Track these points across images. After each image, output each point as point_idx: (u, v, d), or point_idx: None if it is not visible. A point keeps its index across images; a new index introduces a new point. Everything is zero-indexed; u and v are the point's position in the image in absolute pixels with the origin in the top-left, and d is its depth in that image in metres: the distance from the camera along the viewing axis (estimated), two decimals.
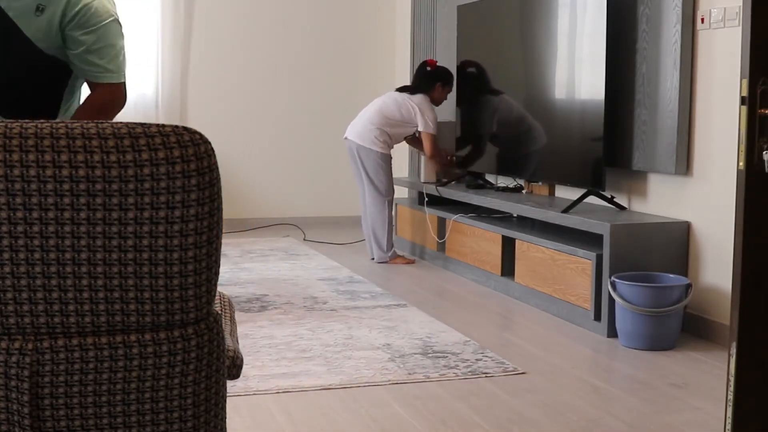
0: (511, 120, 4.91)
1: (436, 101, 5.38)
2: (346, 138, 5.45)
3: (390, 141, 5.37)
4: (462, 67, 5.39)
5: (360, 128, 5.37)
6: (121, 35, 2.82)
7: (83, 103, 2.84)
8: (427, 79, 5.35)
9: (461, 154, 5.47)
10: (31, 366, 1.23)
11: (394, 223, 5.91)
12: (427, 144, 5.32)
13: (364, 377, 3.12)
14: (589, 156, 4.14)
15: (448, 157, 5.56)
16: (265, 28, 6.87)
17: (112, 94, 2.83)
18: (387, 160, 5.36)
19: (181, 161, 1.21)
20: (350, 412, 2.79)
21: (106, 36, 2.75)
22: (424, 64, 5.42)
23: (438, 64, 5.48)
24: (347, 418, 2.74)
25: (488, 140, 5.17)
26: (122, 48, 2.82)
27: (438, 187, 5.38)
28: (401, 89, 5.44)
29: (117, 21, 2.79)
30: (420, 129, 5.32)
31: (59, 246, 1.21)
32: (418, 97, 5.32)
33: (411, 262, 5.42)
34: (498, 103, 5.05)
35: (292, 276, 4.97)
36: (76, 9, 2.68)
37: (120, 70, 2.82)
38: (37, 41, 2.70)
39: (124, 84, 2.85)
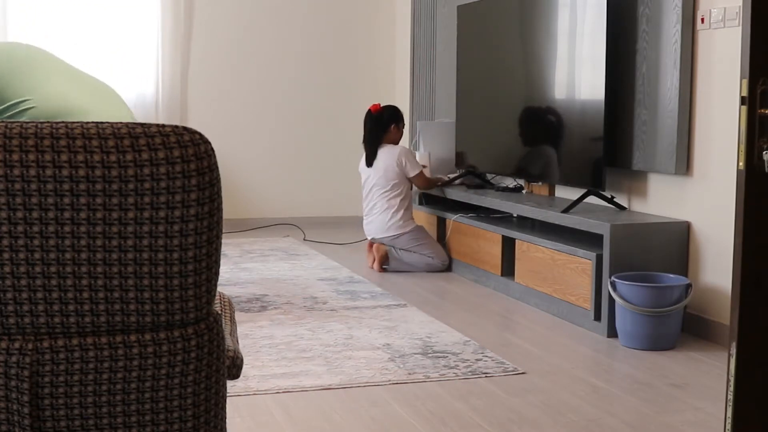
0: (511, 120, 4.91)
1: (396, 142, 5.33)
2: (373, 239, 5.27)
3: (408, 210, 5.25)
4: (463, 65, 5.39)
5: (378, 223, 5.24)
6: None
7: None
8: (383, 125, 5.29)
9: (459, 157, 5.48)
10: (31, 366, 1.23)
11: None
12: (421, 183, 5.33)
13: (364, 377, 3.12)
14: (589, 156, 4.14)
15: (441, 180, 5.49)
16: (265, 28, 6.86)
17: None
18: (418, 232, 5.20)
19: (181, 161, 1.21)
20: (350, 412, 2.79)
21: None
22: (369, 112, 5.33)
23: (381, 105, 5.38)
24: (347, 418, 2.74)
25: (488, 140, 5.17)
26: None
27: (444, 189, 5.36)
28: (369, 143, 5.34)
29: None
30: (411, 176, 5.25)
31: (59, 246, 1.21)
32: (386, 151, 5.24)
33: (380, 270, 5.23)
34: (498, 102, 5.05)
35: (292, 276, 4.97)
36: None
37: None
38: None
39: None
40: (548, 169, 4.55)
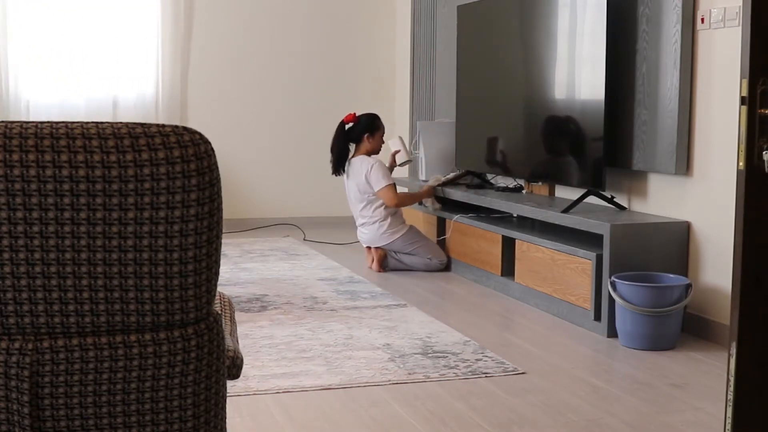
0: (511, 119, 4.91)
1: (371, 152, 5.27)
2: (369, 248, 5.26)
3: (396, 216, 5.23)
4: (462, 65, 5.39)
5: (369, 234, 5.22)
6: None
7: None
8: (353, 136, 5.26)
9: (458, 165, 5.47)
10: (31, 366, 1.23)
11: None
12: (386, 198, 5.17)
13: (364, 377, 3.12)
14: (589, 156, 4.14)
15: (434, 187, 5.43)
16: (265, 28, 6.86)
17: None
18: (411, 234, 5.19)
19: (181, 161, 1.21)
20: (350, 412, 2.79)
21: None
22: (342, 123, 5.28)
23: (357, 114, 5.31)
24: (347, 418, 2.74)
25: (488, 140, 5.17)
26: None
27: (444, 188, 5.37)
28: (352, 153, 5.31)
29: None
30: (375, 190, 5.15)
31: (59, 246, 1.21)
32: (357, 164, 5.22)
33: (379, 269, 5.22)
34: (498, 102, 5.05)
35: (292, 276, 4.97)
36: None
37: None
38: None
39: None
40: (548, 169, 4.55)
